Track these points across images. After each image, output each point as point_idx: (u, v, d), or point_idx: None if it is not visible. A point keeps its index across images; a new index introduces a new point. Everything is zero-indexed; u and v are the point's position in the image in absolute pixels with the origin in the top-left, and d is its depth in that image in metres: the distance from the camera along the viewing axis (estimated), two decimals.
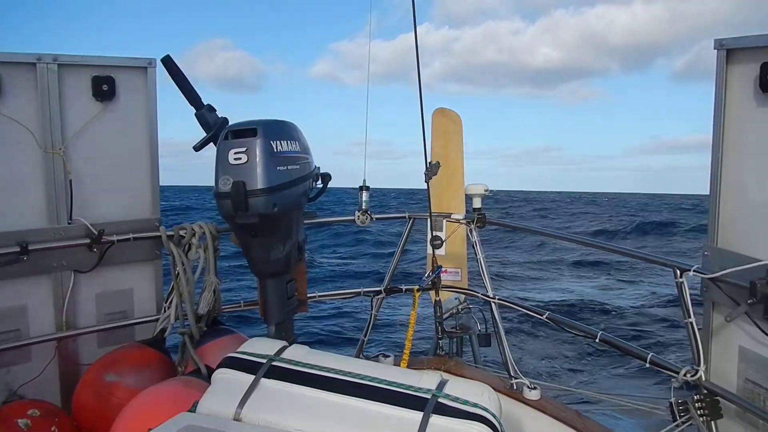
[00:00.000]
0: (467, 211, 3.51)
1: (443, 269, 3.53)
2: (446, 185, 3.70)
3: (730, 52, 2.26)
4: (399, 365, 3.00)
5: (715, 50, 2.30)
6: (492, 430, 1.52)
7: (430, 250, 3.43)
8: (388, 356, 3.38)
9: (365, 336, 3.52)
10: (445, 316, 3.55)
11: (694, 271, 2.33)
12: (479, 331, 3.76)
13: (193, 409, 1.65)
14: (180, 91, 2.76)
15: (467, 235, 3.37)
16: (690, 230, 28.67)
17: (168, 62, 2.74)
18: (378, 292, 3.50)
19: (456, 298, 3.76)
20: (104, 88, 2.84)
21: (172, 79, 2.75)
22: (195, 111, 2.76)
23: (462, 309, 3.76)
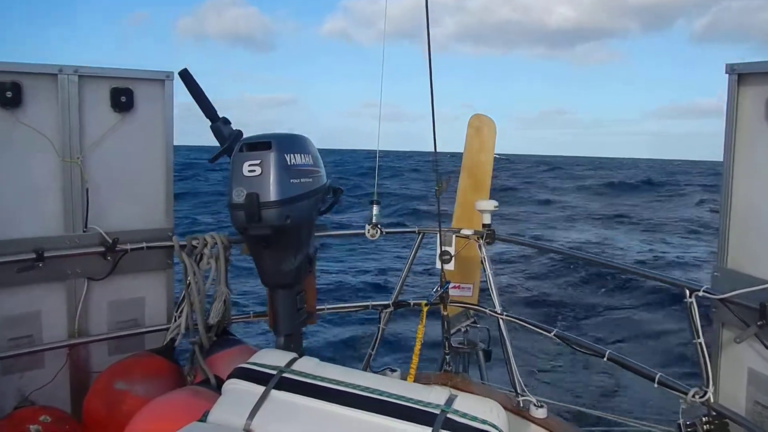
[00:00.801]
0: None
1: (455, 284, 3.54)
2: (473, 193, 3.74)
3: (741, 76, 2.28)
4: (406, 380, 3.00)
5: (727, 74, 2.32)
6: None
7: (439, 264, 3.44)
8: (396, 370, 3.38)
9: (373, 350, 3.53)
10: (452, 331, 3.55)
11: (704, 291, 2.33)
12: (486, 347, 3.76)
13: (203, 419, 1.67)
14: (196, 104, 2.81)
15: (477, 250, 3.38)
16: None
17: (185, 75, 2.80)
18: (386, 306, 3.51)
19: (464, 314, 3.76)
20: (122, 100, 2.89)
21: (189, 91, 2.80)
22: (210, 123, 2.81)
23: (470, 325, 3.77)
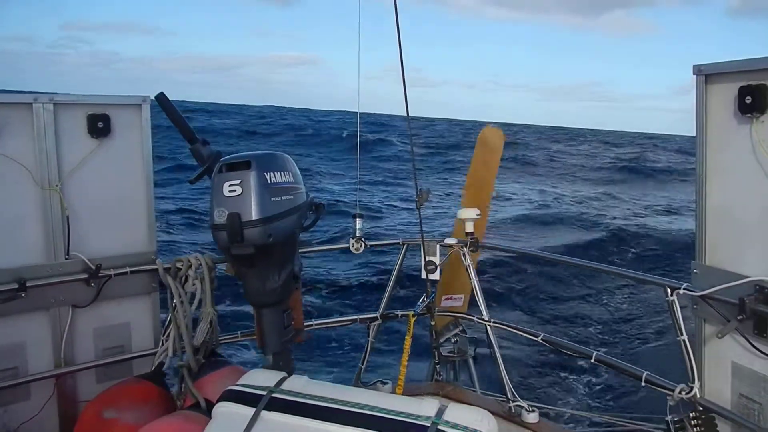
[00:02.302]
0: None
1: (447, 296, 3.57)
2: (475, 202, 3.80)
3: (708, 77, 2.34)
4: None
5: (694, 75, 2.38)
6: None
7: (424, 275, 3.47)
8: (386, 383, 3.38)
9: (363, 363, 3.53)
10: (440, 340, 3.57)
11: (684, 289, 2.38)
12: (474, 354, 3.78)
13: None
14: (175, 126, 2.82)
15: (461, 259, 3.40)
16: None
17: (162, 99, 2.80)
18: (374, 318, 3.51)
19: (452, 323, 3.78)
20: (99, 126, 2.88)
21: (167, 114, 2.80)
22: (189, 145, 2.82)
23: (458, 333, 3.79)
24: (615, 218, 19.40)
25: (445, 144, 46.55)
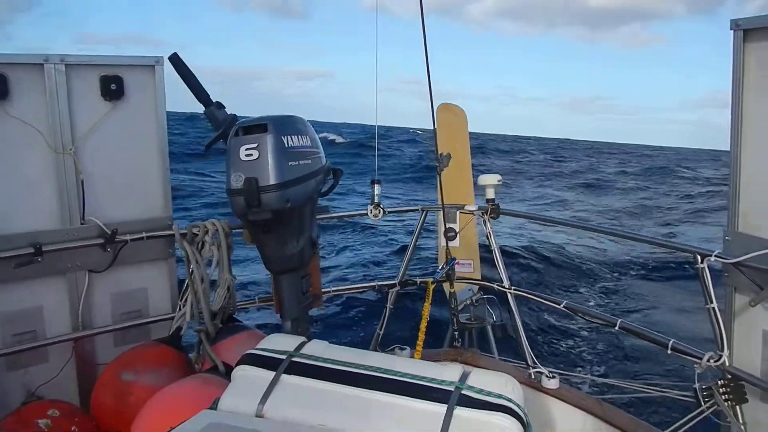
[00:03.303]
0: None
1: (456, 261, 3.50)
2: (457, 179, 3.68)
3: (747, 32, 2.21)
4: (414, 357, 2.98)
5: (732, 31, 2.25)
6: (517, 420, 1.50)
7: (443, 242, 3.41)
8: (404, 348, 3.36)
9: (381, 329, 3.51)
10: (459, 307, 3.53)
11: (716, 256, 2.30)
12: (494, 321, 3.74)
13: (214, 407, 1.64)
14: (188, 89, 2.75)
15: (483, 225, 3.34)
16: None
17: (175, 60, 2.73)
18: (392, 285, 3.48)
19: (470, 290, 3.73)
20: (113, 88, 2.83)
21: (180, 76, 2.73)
22: (204, 109, 2.75)
23: (477, 300, 3.74)
24: None
25: None
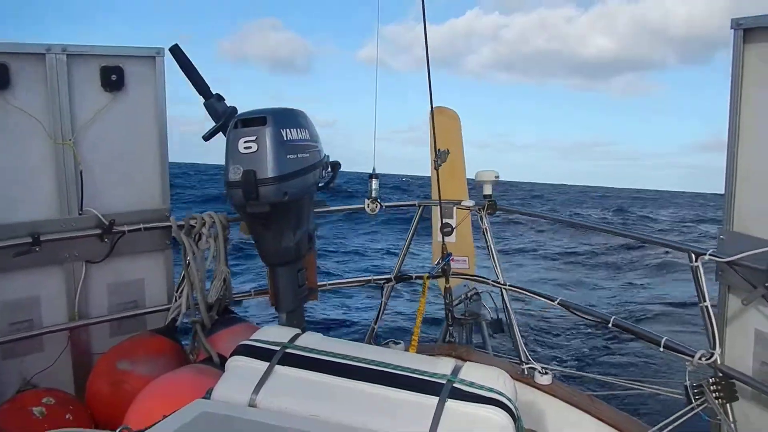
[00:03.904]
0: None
1: (452, 257, 3.51)
2: (450, 178, 3.69)
3: (747, 31, 2.22)
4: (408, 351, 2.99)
5: (732, 30, 2.25)
6: (508, 414, 1.51)
7: (439, 237, 3.42)
8: (399, 343, 3.38)
9: (375, 323, 3.52)
10: (454, 303, 3.54)
11: (709, 255, 2.31)
12: (489, 317, 3.75)
13: (207, 396, 1.65)
14: (188, 81, 2.75)
15: (478, 221, 3.35)
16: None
17: (176, 51, 2.73)
18: (388, 280, 3.49)
19: (465, 285, 3.75)
20: (113, 79, 2.83)
21: (181, 68, 2.73)
22: (204, 100, 2.75)
23: (471, 296, 3.76)
24: None
25: None
